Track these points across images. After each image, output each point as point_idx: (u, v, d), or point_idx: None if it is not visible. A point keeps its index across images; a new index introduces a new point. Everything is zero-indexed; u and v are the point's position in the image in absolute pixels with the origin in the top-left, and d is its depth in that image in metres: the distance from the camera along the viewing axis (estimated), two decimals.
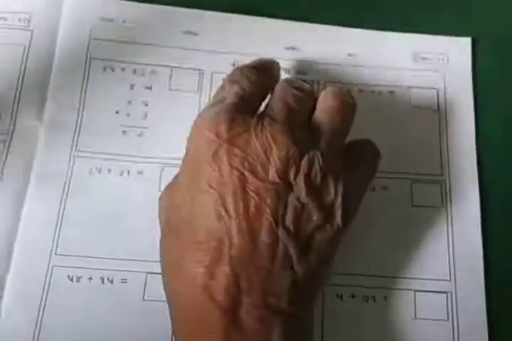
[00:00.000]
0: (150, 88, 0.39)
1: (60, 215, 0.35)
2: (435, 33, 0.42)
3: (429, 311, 0.35)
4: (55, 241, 0.34)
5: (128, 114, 0.38)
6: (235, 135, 0.30)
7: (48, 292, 0.33)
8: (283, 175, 0.30)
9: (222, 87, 0.34)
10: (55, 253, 0.34)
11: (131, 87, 0.39)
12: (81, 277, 0.34)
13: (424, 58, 0.41)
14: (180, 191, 0.31)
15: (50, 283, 0.34)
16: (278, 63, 0.36)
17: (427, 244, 0.37)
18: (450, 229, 0.37)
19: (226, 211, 0.29)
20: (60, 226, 0.35)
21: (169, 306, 0.31)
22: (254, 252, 0.29)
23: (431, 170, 0.38)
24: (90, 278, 0.34)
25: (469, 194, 0.38)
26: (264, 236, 0.29)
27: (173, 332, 0.31)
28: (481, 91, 0.40)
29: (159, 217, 0.33)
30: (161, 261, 0.31)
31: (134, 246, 0.35)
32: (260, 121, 0.31)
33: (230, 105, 0.32)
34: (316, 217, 0.30)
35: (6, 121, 0.37)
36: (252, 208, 0.29)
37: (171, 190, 0.33)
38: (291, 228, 0.29)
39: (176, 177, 0.33)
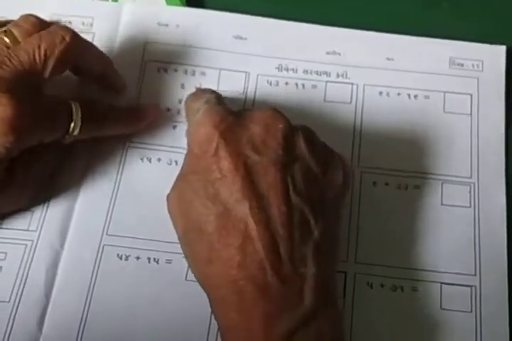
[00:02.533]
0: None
1: (113, 200, 0.38)
2: (471, 40, 0.44)
3: (454, 303, 0.37)
4: (107, 223, 0.38)
5: (178, 111, 0.41)
6: (230, 124, 0.33)
7: (98, 269, 0.37)
8: (285, 147, 0.33)
9: (194, 101, 0.36)
10: (107, 234, 0.37)
11: (182, 86, 0.42)
12: (129, 256, 0.37)
13: (459, 64, 0.43)
14: (190, 185, 0.33)
15: (100, 261, 0.37)
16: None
17: (454, 241, 0.38)
18: (477, 228, 0.39)
19: (242, 194, 0.31)
20: (113, 210, 0.38)
21: (205, 291, 0.33)
22: (277, 224, 0.31)
23: (461, 172, 0.40)
24: (138, 258, 0.37)
25: (496, 197, 0.40)
26: (281, 208, 0.31)
27: (213, 312, 0.33)
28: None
29: (172, 215, 0.34)
30: (187, 256, 0.34)
31: None
32: (247, 110, 0.35)
33: (214, 103, 0.35)
34: (322, 178, 0.33)
35: None
36: (263, 185, 0.32)
37: (179, 188, 0.34)
38: (303, 194, 0.32)
39: (180, 175, 0.35)
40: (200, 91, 0.37)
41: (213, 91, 0.37)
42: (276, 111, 0.34)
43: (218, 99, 0.36)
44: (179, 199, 0.34)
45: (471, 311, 0.37)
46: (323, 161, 0.34)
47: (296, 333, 0.30)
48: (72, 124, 0.35)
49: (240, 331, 0.31)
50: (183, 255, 0.35)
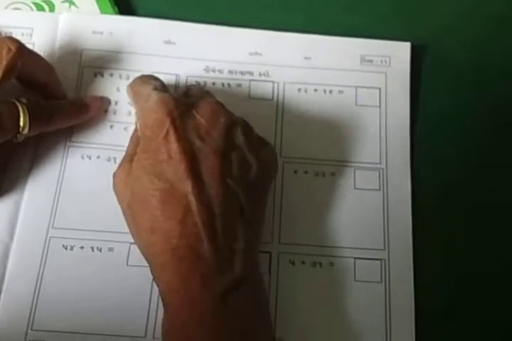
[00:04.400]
0: None
1: (57, 195, 0.42)
2: (380, 38, 0.48)
3: (366, 275, 0.42)
4: (53, 216, 0.42)
5: (115, 112, 0.45)
6: (180, 113, 0.37)
7: (46, 259, 0.40)
8: (225, 138, 0.38)
9: (142, 85, 0.40)
10: (53, 227, 0.41)
11: (118, 89, 0.46)
12: (74, 246, 0.41)
13: (369, 61, 0.48)
14: (139, 163, 0.37)
15: (48, 251, 0.41)
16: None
17: (366, 221, 0.43)
18: (386, 208, 0.43)
19: (186, 174, 0.36)
20: (57, 204, 0.42)
21: (147, 259, 0.37)
22: (214, 203, 0.36)
23: (371, 158, 0.45)
24: (82, 247, 0.41)
25: (402, 180, 0.44)
26: (218, 189, 0.36)
27: (154, 279, 0.36)
28: (416, 90, 0.47)
29: (116, 191, 0.38)
30: (131, 228, 0.38)
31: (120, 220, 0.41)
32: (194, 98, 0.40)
33: (162, 91, 0.39)
34: (255, 166, 0.38)
35: None
36: (204, 168, 0.36)
37: (128, 165, 0.38)
38: (238, 178, 0.37)
39: (128, 155, 0.39)
40: (146, 77, 0.41)
41: (157, 78, 0.41)
42: (220, 105, 0.39)
43: (164, 87, 0.40)
44: (127, 175, 0.38)
45: (381, 282, 0.41)
46: (257, 151, 0.39)
47: (229, 294, 0.34)
48: (21, 124, 0.39)
49: (179, 294, 0.35)
50: (124, 243, 0.40)
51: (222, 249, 0.35)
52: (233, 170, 0.37)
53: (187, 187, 0.35)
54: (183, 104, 0.38)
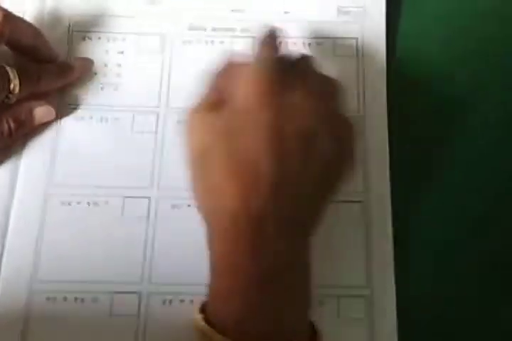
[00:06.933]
0: (122, 52, 0.48)
1: (55, 155, 0.45)
2: None
3: None
4: (51, 174, 0.45)
5: (105, 74, 0.48)
6: (286, 88, 0.37)
7: (45, 215, 0.44)
8: (315, 118, 0.37)
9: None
10: (51, 185, 0.44)
11: (106, 52, 0.48)
12: (71, 202, 0.44)
13: (346, 12, 0.49)
14: (222, 120, 0.36)
15: (46, 207, 0.44)
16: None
17: None
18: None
19: (268, 150, 0.35)
20: (54, 163, 0.45)
21: (206, 224, 0.36)
22: (286, 179, 0.35)
23: (350, 106, 0.46)
24: (79, 202, 0.44)
25: (380, 127, 0.46)
26: (294, 167, 0.35)
27: (207, 241, 0.36)
28: (393, 37, 0.49)
29: (191, 135, 0.37)
30: (195, 176, 0.37)
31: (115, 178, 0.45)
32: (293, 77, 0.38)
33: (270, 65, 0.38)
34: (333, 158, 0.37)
35: None
36: (286, 148, 0.35)
37: (207, 115, 0.37)
38: (316, 161, 0.36)
39: (208, 102, 0.38)
40: (270, 38, 0.40)
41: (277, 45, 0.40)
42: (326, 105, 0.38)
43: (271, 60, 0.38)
44: (205, 124, 0.37)
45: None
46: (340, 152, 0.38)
47: (275, 274, 0.34)
48: (12, 85, 0.42)
49: (228, 260, 0.35)
50: (117, 197, 0.43)
51: (282, 228, 0.35)
52: (315, 160, 0.36)
53: (265, 162, 0.35)
54: (285, 78, 0.37)
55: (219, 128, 0.36)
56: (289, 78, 0.37)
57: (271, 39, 0.40)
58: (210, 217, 0.36)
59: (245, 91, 0.37)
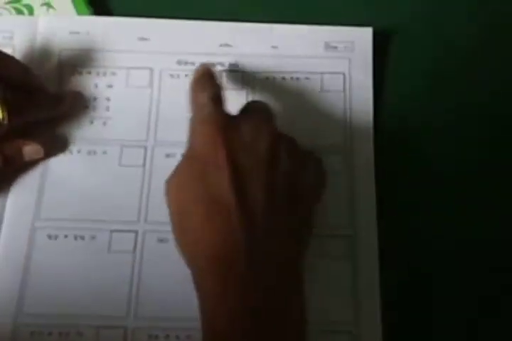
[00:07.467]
0: (111, 86, 0.49)
1: (42, 189, 0.45)
2: (343, 24, 0.50)
3: None
4: (38, 208, 0.45)
5: (94, 108, 0.48)
6: (231, 126, 0.39)
7: (32, 247, 0.44)
8: (271, 151, 0.39)
9: (200, 92, 0.42)
10: (38, 218, 0.45)
11: (96, 85, 0.48)
12: (58, 235, 0.44)
13: (333, 47, 0.50)
14: (191, 175, 0.38)
15: (34, 240, 0.44)
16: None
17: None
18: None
19: (231, 186, 0.37)
20: (42, 197, 0.45)
21: (189, 266, 0.38)
22: (257, 216, 0.37)
23: (335, 139, 0.47)
24: (66, 236, 0.44)
25: (366, 160, 0.46)
26: (263, 202, 0.37)
27: (195, 284, 0.37)
28: (381, 75, 0.50)
29: (169, 197, 0.39)
30: (177, 232, 0.39)
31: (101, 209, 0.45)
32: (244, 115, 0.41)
33: (217, 104, 0.41)
34: (301, 181, 0.40)
35: None
36: (250, 182, 0.37)
37: (181, 176, 0.40)
38: (283, 191, 0.38)
39: (179, 167, 0.40)
40: (204, 81, 0.42)
41: (215, 84, 0.42)
42: (266, 120, 0.41)
43: (219, 97, 0.41)
44: (178, 183, 0.39)
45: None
46: (303, 166, 0.41)
47: (263, 309, 0.35)
48: (0, 117, 0.42)
49: (217, 302, 0.36)
50: (104, 231, 0.43)
51: (257, 265, 0.36)
52: (278, 183, 0.38)
53: (231, 198, 0.36)
54: (232, 120, 0.40)
55: (189, 175, 0.38)
56: (231, 117, 0.40)
57: (207, 77, 0.42)
58: (191, 260, 0.38)
59: (197, 138, 0.39)
